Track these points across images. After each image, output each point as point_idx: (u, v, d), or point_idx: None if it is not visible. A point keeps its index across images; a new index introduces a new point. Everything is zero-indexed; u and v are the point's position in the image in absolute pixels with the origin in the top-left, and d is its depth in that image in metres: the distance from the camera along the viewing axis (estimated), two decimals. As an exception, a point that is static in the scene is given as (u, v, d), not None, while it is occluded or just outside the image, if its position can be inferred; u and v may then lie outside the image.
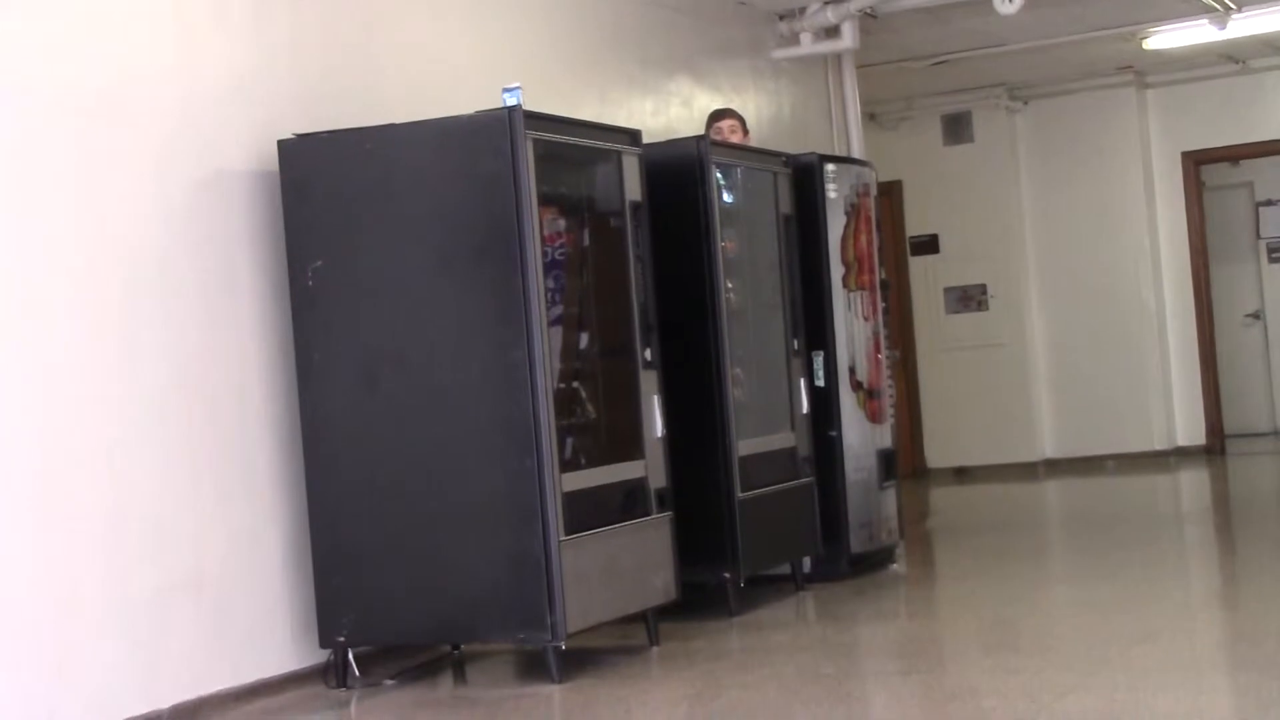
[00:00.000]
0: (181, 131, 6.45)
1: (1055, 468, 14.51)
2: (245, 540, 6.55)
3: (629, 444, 7.06)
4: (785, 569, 8.57)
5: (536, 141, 6.44)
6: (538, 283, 6.36)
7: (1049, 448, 14.69)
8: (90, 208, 6.04)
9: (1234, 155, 15.10)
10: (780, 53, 10.74)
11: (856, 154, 10.84)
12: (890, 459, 9.23)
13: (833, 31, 10.70)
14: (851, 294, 9.00)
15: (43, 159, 5.88)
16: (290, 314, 6.72)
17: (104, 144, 6.12)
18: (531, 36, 8.51)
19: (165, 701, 6.11)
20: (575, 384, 6.98)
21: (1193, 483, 13.54)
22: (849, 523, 8.81)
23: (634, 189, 7.17)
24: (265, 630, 6.63)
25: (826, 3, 10.47)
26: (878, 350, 9.21)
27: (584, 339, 7.05)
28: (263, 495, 6.65)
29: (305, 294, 6.67)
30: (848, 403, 8.89)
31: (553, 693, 6.38)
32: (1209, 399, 14.70)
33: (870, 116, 13.03)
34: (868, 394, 9.05)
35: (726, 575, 7.82)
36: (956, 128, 14.70)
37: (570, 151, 6.89)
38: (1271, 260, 16.08)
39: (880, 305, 9.29)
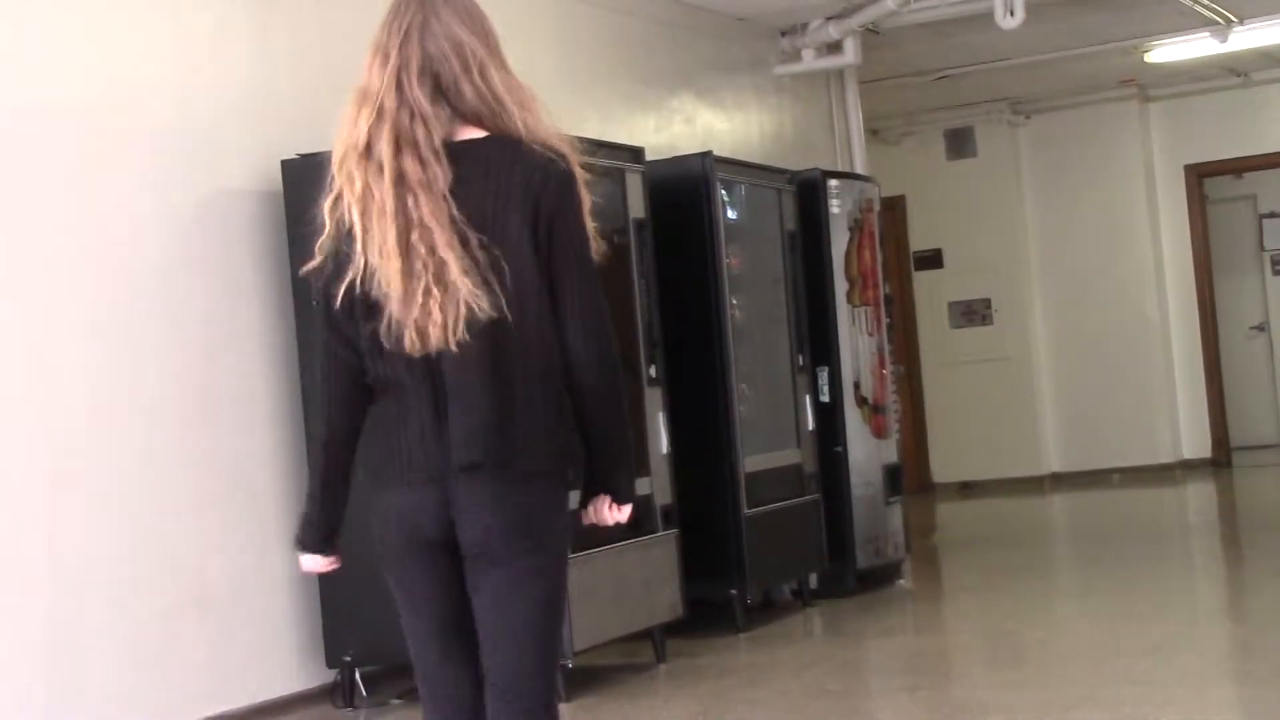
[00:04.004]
0: (184, 151, 6.46)
1: (1061, 481, 14.49)
2: (251, 559, 6.56)
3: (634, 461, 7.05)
4: (792, 584, 8.58)
5: (539, 159, 6.44)
6: (542, 300, 6.36)
7: (1055, 461, 14.67)
8: (93, 228, 6.05)
9: (1237, 168, 15.08)
10: (783, 69, 10.75)
11: (859, 169, 10.84)
12: (896, 474, 9.22)
13: (835, 47, 10.70)
14: (856, 309, 9.00)
15: (45, 180, 5.90)
16: (295, 334, 6.73)
17: (107, 164, 6.14)
18: (532, 54, 8.51)
19: (172, 722, 6.12)
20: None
21: (1199, 495, 13.52)
22: (855, 538, 8.81)
23: (637, 206, 7.17)
24: (271, 649, 6.63)
25: (829, 18, 10.47)
26: (882, 365, 9.21)
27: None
28: (268, 515, 6.65)
29: (309, 314, 6.67)
30: (853, 418, 8.89)
31: (560, 711, 6.37)
32: (1214, 411, 14.68)
33: (873, 132, 13.02)
34: (873, 409, 9.04)
35: (733, 591, 7.82)
36: (959, 142, 14.69)
37: (573, 169, 6.89)
38: (1275, 272, 16.07)
39: (884, 320, 9.29)
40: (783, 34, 10.74)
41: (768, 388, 8.42)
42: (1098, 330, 14.48)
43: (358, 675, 6.70)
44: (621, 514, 3.27)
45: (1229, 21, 11.76)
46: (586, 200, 3.19)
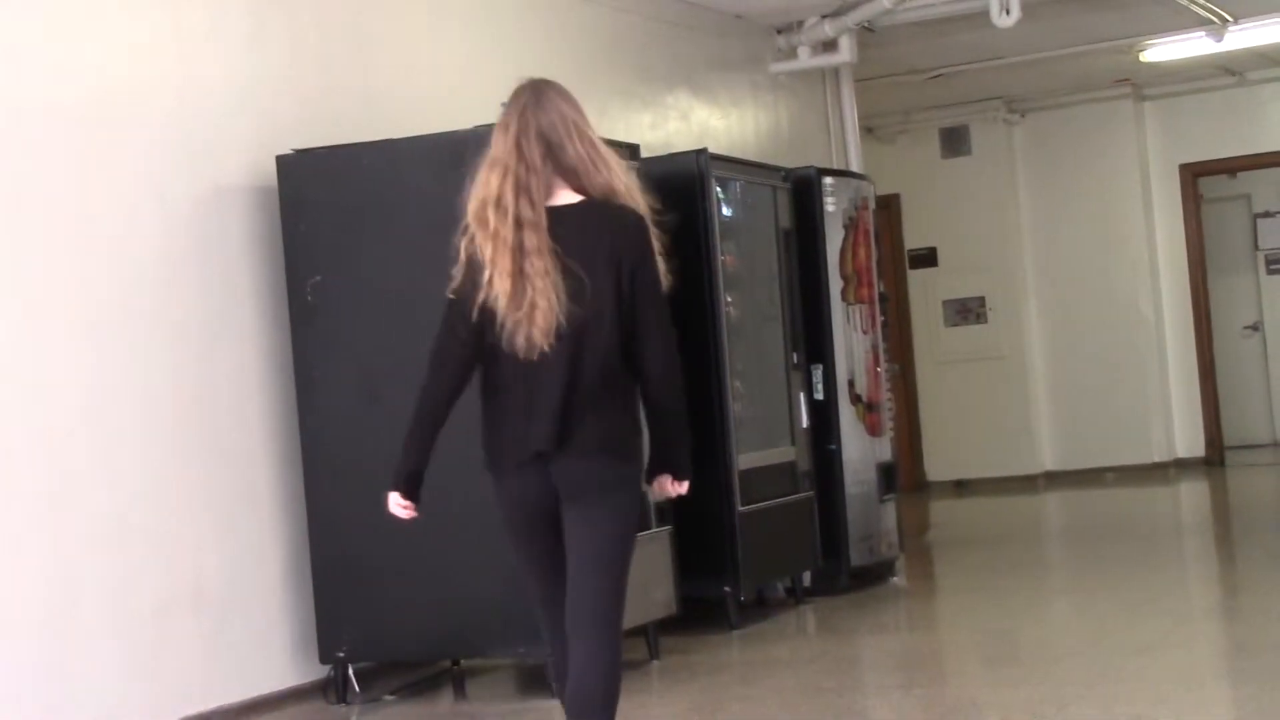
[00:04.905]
0: (180, 147, 6.46)
1: (1055, 480, 14.50)
2: (245, 556, 6.55)
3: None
4: (785, 582, 8.58)
5: (535, 156, 6.45)
6: (537, 297, 6.37)
7: (1049, 460, 14.68)
8: (89, 224, 6.05)
9: (1232, 167, 15.08)
10: (778, 66, 10.75)
11: (855, 167, 10.84)
12: (890, 472, 9.22)
13: (830, 45, 10.70)
14: (850, 307, 9.00)
15: (42, 175, 5.89)
16: (290, 329, 6.72)
17: (103, 160, 6.13)
18: (528, 51, 8.51)
19: (166, 717, 6.11)
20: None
21: (1192, 494, 13.54)
22: (849, 536, 8.81)
23: (632, 203, 7.15)
24: (265, 646, 6.63)
25: (824, 16, 10.48)
26: (877, 363, 9.21)
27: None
28: (263, 511, 6.65)
29: (305, 309, 6.67)
30: (847, 416, 8.89)
31: (553, 707, 6.37)
32: (1208, 411, 14.69)
33: (868, 130, 13.02)
34: (867, 407, 9.04)
35: (727, 589, 7.82)
36: (954, 140, 14.69)
37: (569, 166, 6.89)
38: (1269, 272, 16.08)
39: (879, 318, 9.28)
40: (778, 32, 10.74)
41: (762, 385, 8.42)
42: (1092, 329, 14.48)
43: (351, 671, 6.70)
44: (681, 487, 4.23)
45: (1224, 21, 11.77)
46: (657, 246, 4.23)
